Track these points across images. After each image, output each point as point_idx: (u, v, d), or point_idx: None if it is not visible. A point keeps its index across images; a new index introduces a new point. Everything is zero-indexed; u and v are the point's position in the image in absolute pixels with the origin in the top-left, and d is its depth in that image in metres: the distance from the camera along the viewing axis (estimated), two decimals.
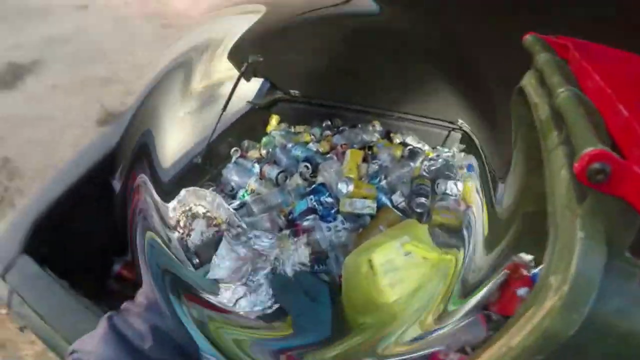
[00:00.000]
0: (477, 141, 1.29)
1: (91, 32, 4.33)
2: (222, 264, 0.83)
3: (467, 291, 0.72)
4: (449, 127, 1.49)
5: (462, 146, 1.49)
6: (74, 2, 4.96)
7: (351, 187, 1.15)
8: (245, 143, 1.59)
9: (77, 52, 3.93)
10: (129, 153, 1.07)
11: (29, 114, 3.07)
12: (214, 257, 0.86)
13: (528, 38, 0.61)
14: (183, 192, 1.16)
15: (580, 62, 0.48)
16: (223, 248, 0.86)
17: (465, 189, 1.24)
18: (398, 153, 1.41)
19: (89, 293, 0.86)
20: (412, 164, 1.32)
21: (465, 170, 1.32)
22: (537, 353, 0.34)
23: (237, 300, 0.75)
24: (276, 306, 0.75)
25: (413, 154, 1.40)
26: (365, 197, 1.14)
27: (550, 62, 0.51)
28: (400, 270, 0.84)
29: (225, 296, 0.74)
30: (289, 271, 0.79)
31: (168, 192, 1.08)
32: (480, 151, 1.22)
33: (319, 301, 0.70)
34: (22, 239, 0.88)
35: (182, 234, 1.20)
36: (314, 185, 1.20)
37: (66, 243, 0.94)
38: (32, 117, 3.03)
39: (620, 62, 0.53)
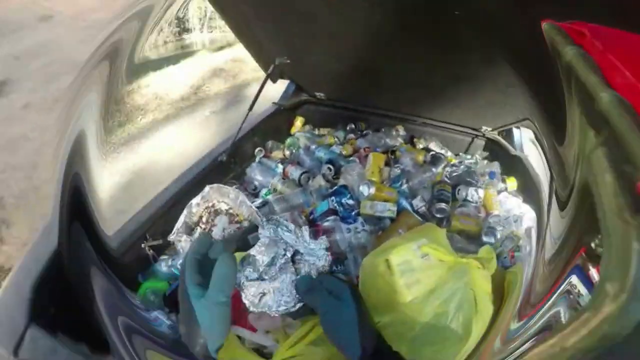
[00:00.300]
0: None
1: (59, 44, 4.10)
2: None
3: None
4: (472, 134, 1.49)
5: (485, 153, 1.48)
6: (37, 13, 4.70)
7: (372, 190, 1.16)
8: (270, 143, 1.62)
9: (47, 66, 3.72)
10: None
11: (3, 138, 2.90)
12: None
13: (545, 26, 0.59)
14: (207, 188, 1.18)
15: (604, 55, 0.47)
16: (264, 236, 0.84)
17: (486, 195, 1.24)
18: (420, 158, 1.42)
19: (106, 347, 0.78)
20: (434, 169, 1.33)
21: (487, 177, 1.31)
22: (590, 351, 0.36)
23: (261, 297, 0.76)
24: (299, 305, 0.77)
25: (435, 159, 1.41)
26: (386, 201, 1.15)
27: (578, 57, 0.50)
28: (416, 272, 0.84)
29: (251, 292, 0.76)
30: (314, 273, 0.80)
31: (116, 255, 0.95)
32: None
33: (342, 300, 0.72)
34: (26, 308, 0.77)
35: (204, 229, 1.23)
36: (335, 187, 1.21)
37: (70, 295, 0.84)
38: (6, 141, 2.87)
39: None
